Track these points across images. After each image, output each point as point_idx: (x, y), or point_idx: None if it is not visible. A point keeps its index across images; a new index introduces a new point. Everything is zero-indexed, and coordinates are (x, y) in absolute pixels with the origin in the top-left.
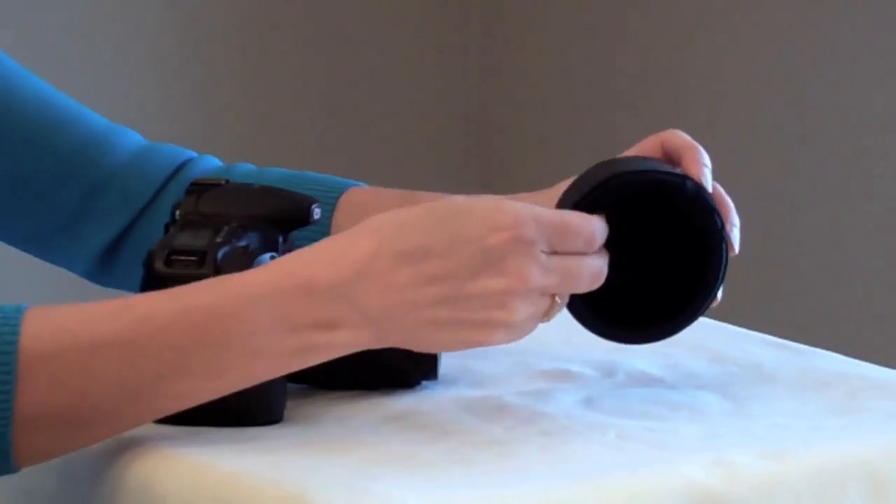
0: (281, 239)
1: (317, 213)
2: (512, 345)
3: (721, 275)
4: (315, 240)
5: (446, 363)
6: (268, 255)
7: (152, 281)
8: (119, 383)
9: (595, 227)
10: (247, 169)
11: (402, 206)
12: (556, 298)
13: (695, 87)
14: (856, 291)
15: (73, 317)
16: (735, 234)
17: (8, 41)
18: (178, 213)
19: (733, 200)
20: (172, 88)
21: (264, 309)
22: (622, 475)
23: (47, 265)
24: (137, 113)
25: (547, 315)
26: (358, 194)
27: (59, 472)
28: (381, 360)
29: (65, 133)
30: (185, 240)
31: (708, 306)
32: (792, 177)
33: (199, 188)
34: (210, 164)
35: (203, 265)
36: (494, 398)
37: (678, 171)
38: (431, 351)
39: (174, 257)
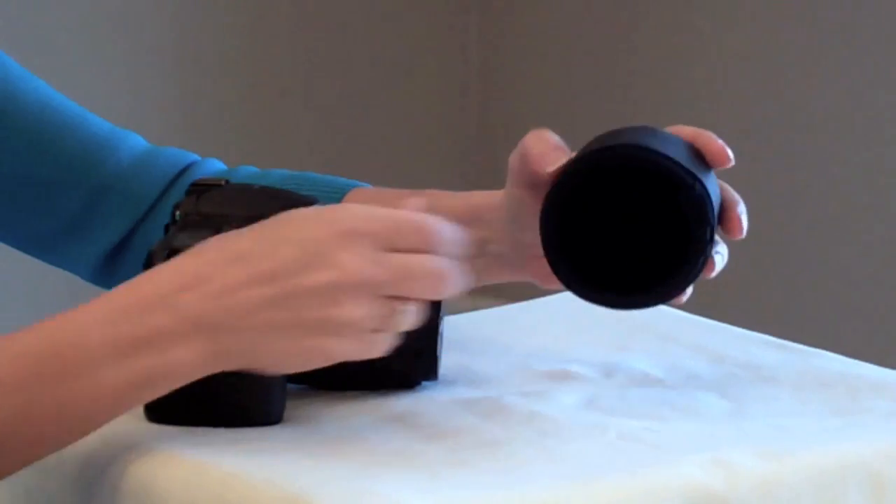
0: None
1: None
2: (512, 345)
3: (691, 280)
4: None
5: (446, 364)
6: None
7: None
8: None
9: (437, 227)
10: (250, 171)
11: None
12: (399, 305)
13: (696, 85)
14: (856, 291)
15: None
16: (743, 219)
17: (7, 41)
18: (178, 213)
19: None
20: (169, 89)
21: (95, 330)
22: (622, 475)
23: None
24: (136, 117)
25: (392, 323)
26: (360, 195)
27: (59, 472)
28: (380, 360)
29: (67, 137)
30: (185, 240)
31: (672, 298)
32: (792, 176)
33: (200, 189)
34: (213, 167)
35: None
36: (494, 398)
37: (695, 168)
38: (275, 371)
39: (174, 257)
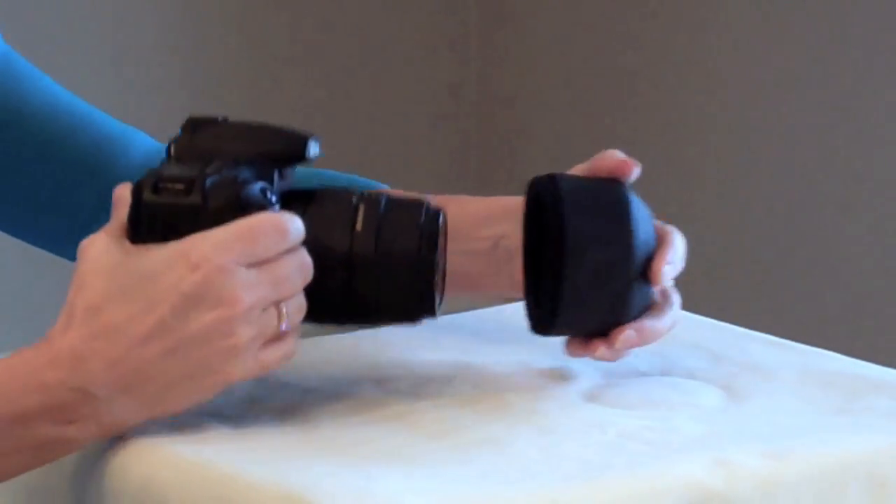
0: (277, 175)
1: (313, 148)
2: (511, 344)
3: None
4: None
5: (444, 362)
6: (258, 185)
7: (140, 210)
8: None
9: (278, 221)
10: None
11: None
12: (282, 308)
13: (696, 87)
14: (856, 291)
15: None
16: (665, 271)
17: (9, 32)
18: (172, 148)
19: (732, 199)
20: (170, 85)
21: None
22: (622, 475)
23: (50, 266)
24: (135, 118)
25: (279, 328)
26: None
27: (59, 471)
28: (381, 298)
29: (78, 137)
30: (173, 170)
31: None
32: (792, 176)
33: (196, 123)
34: None
35: (191, 193)
36: (494, 396)
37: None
38: (181, 409)
39: (162, 185)
